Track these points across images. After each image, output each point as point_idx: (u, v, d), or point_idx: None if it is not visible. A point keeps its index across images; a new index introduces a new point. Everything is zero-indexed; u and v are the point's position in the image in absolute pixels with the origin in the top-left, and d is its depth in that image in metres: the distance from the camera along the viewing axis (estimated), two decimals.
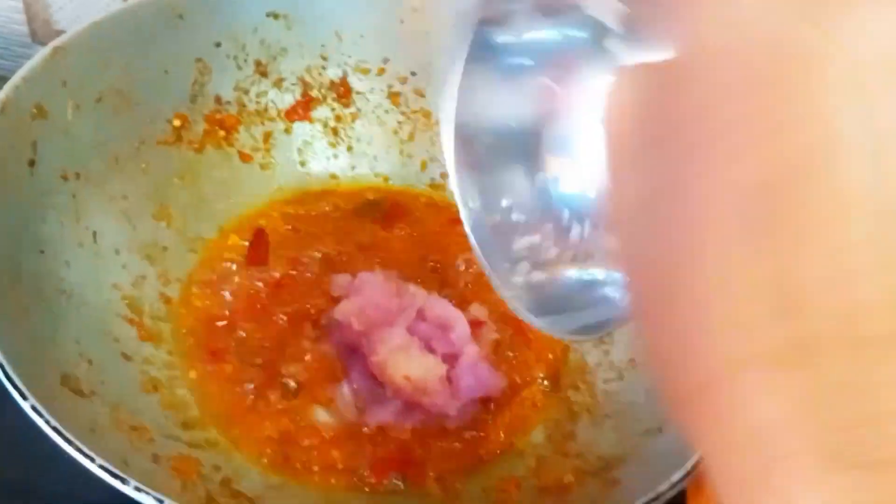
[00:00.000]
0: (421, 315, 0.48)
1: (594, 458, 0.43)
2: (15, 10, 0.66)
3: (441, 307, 0.48)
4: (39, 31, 0.68)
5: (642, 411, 0.44)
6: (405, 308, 0.48)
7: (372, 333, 0.46)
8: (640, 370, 0.46)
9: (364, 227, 0.53)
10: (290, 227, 0.52)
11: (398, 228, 0.54)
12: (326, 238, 0.53)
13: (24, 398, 0.32)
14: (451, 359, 0.46)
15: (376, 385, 0.46)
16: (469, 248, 0.30)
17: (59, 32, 0.67)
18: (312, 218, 0.53)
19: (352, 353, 0.47)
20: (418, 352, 0.46)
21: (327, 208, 0.54)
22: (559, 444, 0.45)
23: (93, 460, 0.31)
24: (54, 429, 0.31)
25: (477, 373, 0.47)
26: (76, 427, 0.34)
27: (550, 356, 0.49)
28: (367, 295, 0.48)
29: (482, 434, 0.46)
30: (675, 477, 0.36)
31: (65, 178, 0.44)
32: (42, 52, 0.43)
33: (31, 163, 0.42)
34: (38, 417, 0.32)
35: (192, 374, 0.45)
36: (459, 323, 0.47)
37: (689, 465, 0.36)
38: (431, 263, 0.52)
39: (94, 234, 0.45)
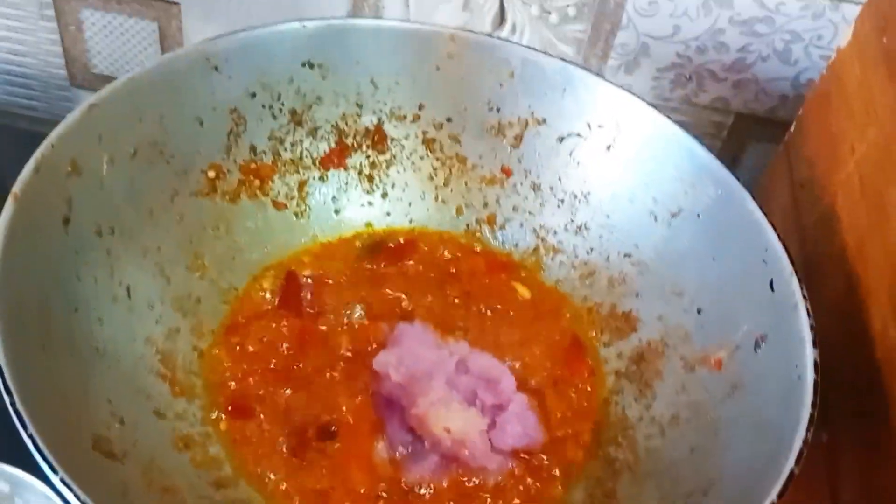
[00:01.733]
0: (462, 367, 0.47)
1: None
2: (54, 53, 0.67)
3: (485, 360, 0.47)
4: (78, 74, 0.69)
5: (686, 471, 0.43)
6: (445, 360, 0.47)
7: (412, 385, 0.45)
8: (683, 427, 0.45)
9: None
10: (321, 273, 0.52)
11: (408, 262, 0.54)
12: (361, 285, 0.52)
13: (55, 472, 0.31)
14: (495, 410, 0.46)
15: (415, 439, 0.45)
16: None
17: (98, 76, 0.68)
18: (345, 265, 0.53)
19: (390, 406, 0.46)
20: (458, 405, 0.45)
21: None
22: (600, 502, 0.44)
23: None
24: (83, 503, 0.31)
25: (525, 421, 0.46)
26: (107, 493, 0.34)
27: (586, 404, 0.47)
28: (406, 346, 0.47)
29: (521, 490, 0.45)
30: None
31: (99, 233, 0.44)
32: (77, 110, 0.44)
33: (66, 220, 0.42)
34: (68, 491, 0.31)
35: (224, 429, 0.44)
36: (506, 376, 0.46)
37: None
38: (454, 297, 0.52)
39: (128, 288, 0.45)
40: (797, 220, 0.53)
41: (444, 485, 0.44)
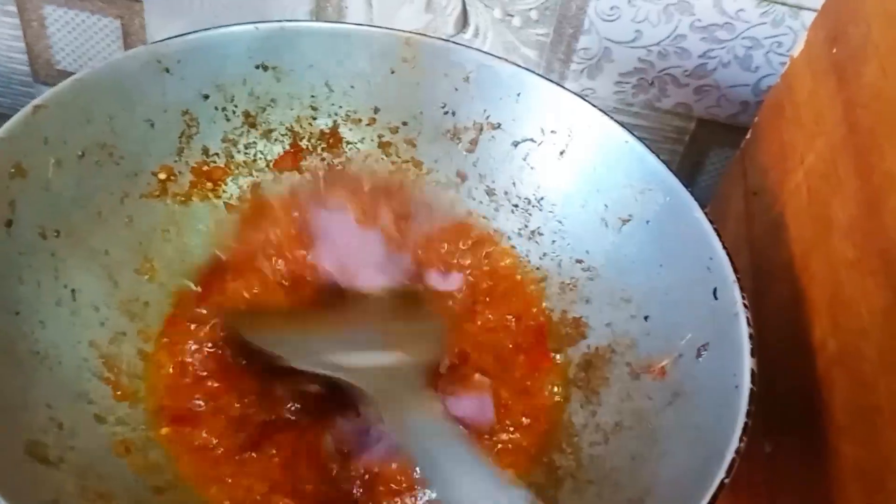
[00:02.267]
0: None
1: None
2: (17, 49, 0.67)
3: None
4: (41, 70, 0.69)
5: (626, 479, 0.43)
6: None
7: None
8: (626, 435, 0.45)
9: None
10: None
11: None
12: None
13: None
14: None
15: (362, 429, 0.45)
16: None
17: (62, 73, 0.68)
18: None
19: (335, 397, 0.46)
20: None
21: None
22: None
23: None
24: None
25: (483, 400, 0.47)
26: (36, 500, 0.34)
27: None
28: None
29: None
30: None
31: (43, 236, 0.44)
32: (22, 111, 0.43)
33: (9, 223, 0.42)
34: None
35: (165, 433, 0.44)
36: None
37: None
38: None
39: (73, 291, 0.45)
40: (749, 229, 0.53)
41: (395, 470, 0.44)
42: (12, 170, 0.43)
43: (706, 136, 0.66)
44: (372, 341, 0.48)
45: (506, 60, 0.53)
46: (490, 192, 0.55)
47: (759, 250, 0.51)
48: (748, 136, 0.57)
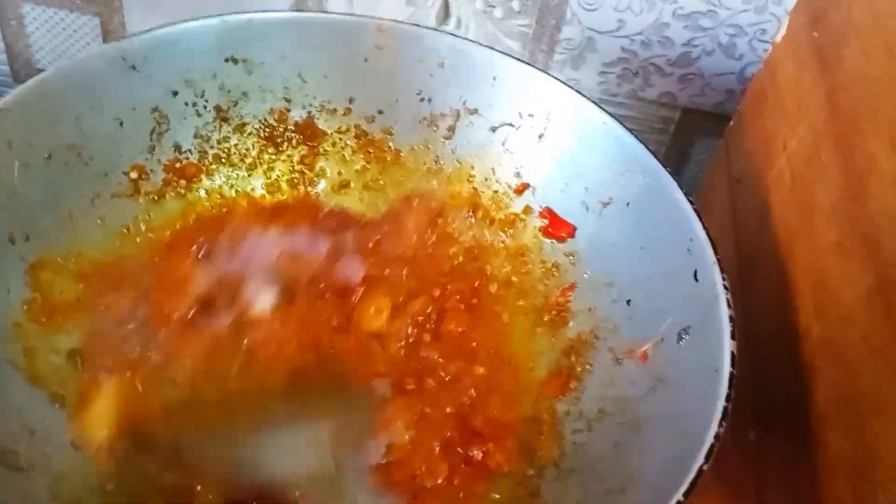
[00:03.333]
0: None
1: None
2: None
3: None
4: (21, 71, 0.68)
5: (609, 467, 0.42)
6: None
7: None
8: (609, 422, 0.44)
9: None
10: None
11: None
12: None
13: None
14: None
15: None
16: None
17: (41, 71, 0.67)
18: None
19: None
20: None
21: None
22: (524, 501, 0.43)
23: None
24: None
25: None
26: None
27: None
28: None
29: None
30: None
31: (12, 241, 0.44)
32: None
33: None
34: None
35: None
36: None
37: None
38: None
39: (44, 295, 0.44)
40: (734, 216, 0.52)
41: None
42: None
43: (692, 126, 0.65)
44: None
45: (480, 44, 0.52)
46: (469, 179, 0.54)
47: (745, 238, 0.50)
48: (731, 123, 0.56)
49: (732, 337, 0.39)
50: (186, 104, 0.51)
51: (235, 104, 0.52)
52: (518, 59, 0.51)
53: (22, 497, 0.37)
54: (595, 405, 0.45)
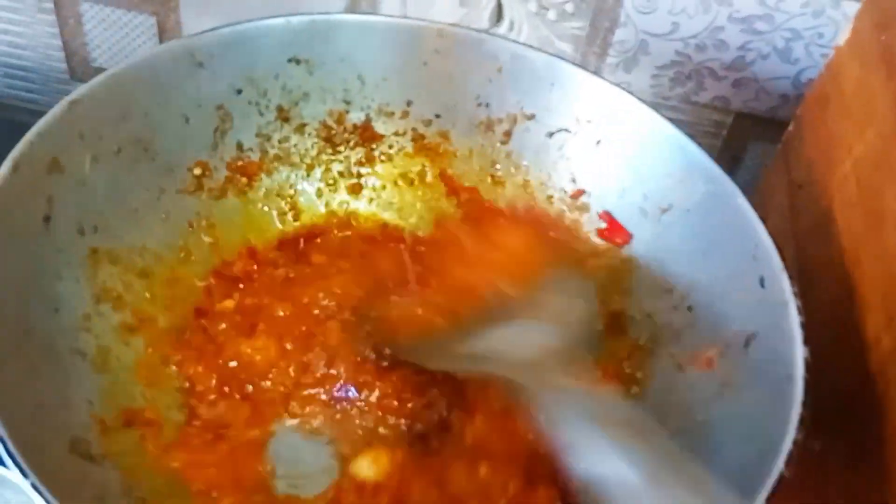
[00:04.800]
0: None
1: None
2: (54, 47, 0.67)
3: None
4: (78, 68, 0.68)
5: None
6: None
7: None
8: (673, 430, 0.44)
9: None
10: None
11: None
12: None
13: (25, 476, 0.31)
14: None
15: None
16: None
17: (98, 70, 0.67)
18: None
19: None
20: None
21: None
22: None
23: None
24: None
25: None
26: (82, 498, 0.33)
27: None
28: None
29: None
30: None
31: (81, 232, 0.44)
32: (58, 106, 0.43)
33: (47, 218, 0.42)
34: (39, 496, 0.31)
35: None
36: None
37: None
38: None
39: (111, 288, 0.45)
40: (794, 223, 0.52)
41: None
42: (50, 166, 0.42)
43: (744, 131, 0.65)
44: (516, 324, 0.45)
45: (539, 50, 0.52)
46: (525, 185, 0.54)
47: (806, 245, 0.50)
48: (790, 128, 0.56)
49: (805, 343, 0.39)
50: (249, 103, 0.51)
51: (296, 104, 0.53)
52: (577, 66, 0.52)
53: (96, 488, 0.37)
54: (657, 413, 0.45)
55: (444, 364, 0.44)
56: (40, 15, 0.65)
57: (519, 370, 0.42)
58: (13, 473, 0.35)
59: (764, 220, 0.44)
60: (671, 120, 0.49)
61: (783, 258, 0.43)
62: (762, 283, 0.43)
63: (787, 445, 0.36)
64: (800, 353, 0.39)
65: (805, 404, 0.37)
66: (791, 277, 0.42)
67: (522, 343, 0.43)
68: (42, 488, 0.31)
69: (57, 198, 0.42)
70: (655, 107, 0.50)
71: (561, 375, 0.41)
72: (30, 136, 0.41)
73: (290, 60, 0.51)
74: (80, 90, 0.44)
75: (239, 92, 0.51)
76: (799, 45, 0.59)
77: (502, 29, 0.61)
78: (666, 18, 0.59)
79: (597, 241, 0.52)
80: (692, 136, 0.48)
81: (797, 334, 0.40)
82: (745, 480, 0.36)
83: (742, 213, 0.45)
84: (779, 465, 0.35)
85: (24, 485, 0.31)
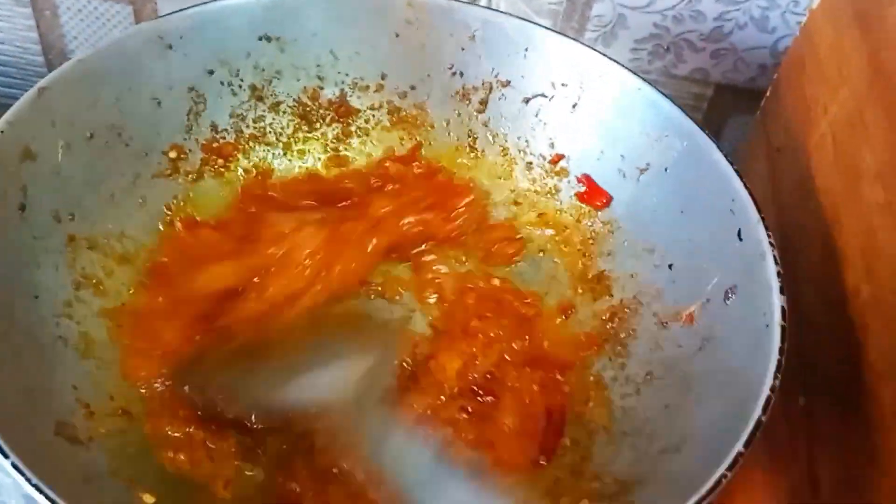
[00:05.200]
0: None
1: (611, 481, 0.41)
2: (31, 40, 0.67)
3: None
4: (55, 61, 0.68)
5: (660, 428, 0.42)
6: None
7: None
8: (657, 384, 0.44)
9: None
10: None
11: None
12: None
13: (6, 456, 0.31)
14: None
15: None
16: None
17: None
18: None
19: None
20: None
21: None
22: (576, 464, 0.43)
23: None
24: (35, 486, 0.31)
25: None
26: (67, 479, 0.33)
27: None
28: None
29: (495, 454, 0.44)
30: (691, 502, 0.34)
31: (58, 219, 0.44)
32: (27, 95, 0.43)
33: (22, 207, 0.42)
34: (19, 475, 0.31)
35: None
36: None
37: (704, 490, 0.34)
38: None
39: (90, 273, 0.45)
40: (774, 187, 0.52)
41: None
42: (22, 154, 0.42)
43: (725, 103, 0.64)
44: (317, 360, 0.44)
45: (511, 15, 0.52)
46: (504, 152, 0.54)
47: (787, 207, 0.50)
48: (768, 94, 0.56)
49: (782, 292, 0.40)
50: (222, 83, 0.51)
51: (270, 83, 0.52)
52: (550, 29, 0.51)
53: (83, 470, 0.37)
54: (642, 369, 0.45)
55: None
56: (17, 8, 0.65)
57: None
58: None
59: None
60: (635, 75, 0.49)
61: (760, 211, 0.43)
62: (739, 235, 0.43)
63: (765, 391, 0.36)
64: (777, 301, 0.39)
65: (782, 351, 0.37)
66: (771, 236, 0.42)
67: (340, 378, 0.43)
68: (24, 468, 0.31)
69: (31, 186, 0.42)
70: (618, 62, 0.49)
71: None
72: (0, 124, 0.41)
73: (260, 38, 0.51)
74: (49, 77, 0.44)
75: (211, 73, 0.51)
76: (775, 14, 0.59)
77: (481, 3, 0.61)
78: None
79: (578, 204, 0.52)
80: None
81: (774, 284, 0.40)
82: (725, 430, 0.36)
83: (718, 167, 0.45)
84: (757, 411, 0.35)
85: (9, 469, 0.31)
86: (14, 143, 0.42)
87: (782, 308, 0.39)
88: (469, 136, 0.55)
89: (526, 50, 0.52)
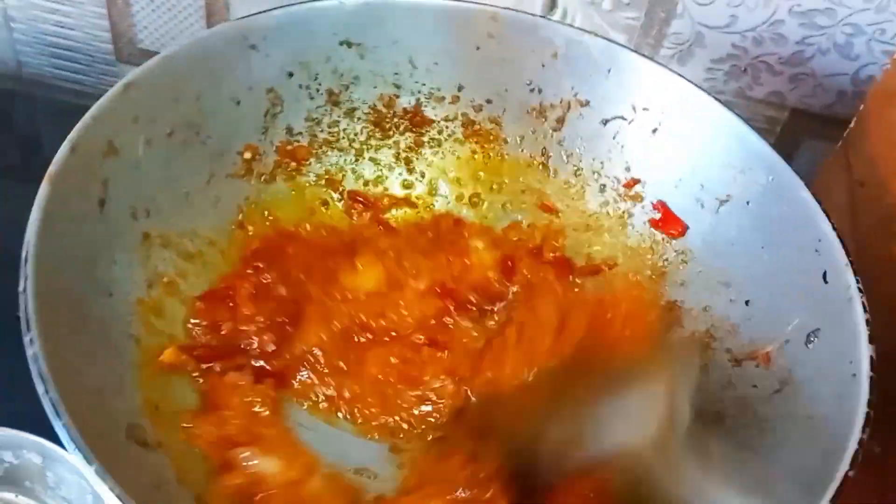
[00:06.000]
0: None
1: None
2: (101, 28, 0.67)
3: None
4: (124, 49, 0.68)
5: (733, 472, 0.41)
6: None
7: None
8: (730, 424, 0.43)
9: None
10: None
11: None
12: None
13: (90, 463, 0.31)
14: None
15: None
16: None
17: (144, 52, 0.67)
18: None
19: None
20: None
21: None
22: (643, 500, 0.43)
23: None
24: (118, 496, 0.30)
25: None
26: (140, 485, 0.33)
27: None
28: None
29: None
30: None
31: (134, 216, 0.44)
32: (113, 89, 0.43)
33: (102, 202, 0.42)
34: (101, 483, 0.31)
35: None
36: None
37: None
38: None
39: (164, 272, 0.44)
40: (854, 221, 0.51)
41: None
42: (105, 148, 0.42)
43: (799, 127, 0.63)
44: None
45: (597, 35, 0.51)
46: (577, 173, 0.53)
47: (867, 243, 0.49)
48: (852, 125, 0.54)
49: (870, 341, 0.38)
50: (300, 86, 0.51)
51: (347, 88, 0.52)
52: (635, 52, 0.51)
53: (152, 476, 0.37)
54: (713, 407, 0.44)
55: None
56: None
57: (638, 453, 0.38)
58: (71, 455, 0.35)
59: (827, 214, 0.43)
60: (721, 104, 0.48)
61: (848, 254, 0.42)
62: (825, 277, 0.42)
63: (852, 446, 0.35)
64: (865, 350, 0.38)
65: (870, 404, 0.36)
66: (854, 270, 0.41)
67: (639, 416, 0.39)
68: (106, 475, 0.31)
69: (112, 181, 0.42)
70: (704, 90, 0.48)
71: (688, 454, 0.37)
72: (87, 118, 0.41)
73: (341, 43, 0.51)
74: (135, 73, 0.44)
75: (290, 75, 0.50)
76: (860, 41, 0.57)
77: (555, 18, 0.60)
78: (724, 10, 0.57)
79: (651, 231, 0.51)
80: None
81: (862, 330, 0.39)
82: (808, 481, 0.36)
83: (805, 205, 0.44)
84: (844, 466, 0.34)
85: (87, 470, 0.31)
86: (99, 137, 0.42)
87: (871, 358, 0.38)
88: (542, 154, 0.54)
89: (609, 71, 0.51)
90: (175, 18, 0.65)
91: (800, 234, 0.44)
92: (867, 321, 0.39)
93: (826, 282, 0.42)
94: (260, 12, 0.48)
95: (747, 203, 0.47)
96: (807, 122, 0.63)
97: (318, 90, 0.51)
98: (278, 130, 0.51)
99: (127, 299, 0.42)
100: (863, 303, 0.40)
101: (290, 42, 0.49)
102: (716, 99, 0.48)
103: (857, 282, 0.41)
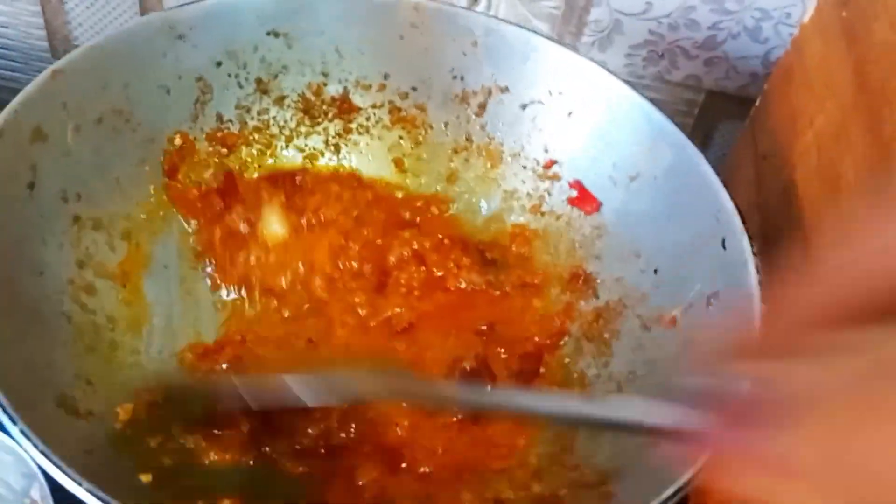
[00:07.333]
0: None
1: (591, 472, 0.43)
2: (35, 25, 0.67)
3: None
4: (59, 46, 0.69)
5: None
6: None
7: None
8: (640, 383, 0.46)
9: None
10: None
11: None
12: None
13: (14, 423, 0.32)
14: None
15: None
16: None
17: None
18: None
19: None
20: None
21: None
22: (557, 456, 0.45)
23: (80, 484, 0.32)
24: (42, 452, 0.32)
25: None
26: (70, 449, 0.35)
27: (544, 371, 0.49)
28: None
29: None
30: (667, 493, 0.36)
31: (65, 199, 0.45)
32: (41, 76, 0.44)
33: (31, 185, 0.43)
34: (27, 441, 0.32)
35: None
36: None
37: (681, 482, 0.36)
38: None
39: (95, 253, 0.46)
40: (759, 193, 0.54)
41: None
42: (33, 134, 0.43)
43: (716, 109, 0.66)
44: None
45: (513, 24, 0.53)
46: (499, 155, 0.56)
47: (770, 214, 0.52)
48: (757, 103, 0.58)
49: (762, 300, 0.41)
50: (229, 75, 0.52)
51: (275, 77, 0.54)
52: (550, 40, 0.53)
53: (84, 442, 0.38)
54: (625, 368, 0.47)
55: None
56: None
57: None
58: (4, 436, 0.37)
59: (733, 190, 0.46)
60: (631, 87, 0.50)
61: (744, 221, 0.44)
62: (724, 244, 0.45)
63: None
64: (758, 309, 0.41)
65: None
66: (754, 241, 0.43)
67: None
68: (31, 435, 0.32)
69: (41, 165, 0.44)
70: (630, 85, 0.51)
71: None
72: (14, 104, 0.42)
73: (269, 33, 0.53)
74: (63, 60, 0.45)
75: (219, 64, 0.52)
76: (768, 25, 0.60)
77: (479, 8, 0.62)
78: None
79: (568, 208, 0.54)
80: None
81: (755, 292, 0.42)
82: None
83: (705, 178, 0.47)
84: None
85: (18, 436, 0.32)
86: (26, 122, 0.43)
87: (763, 316, 0.40)
88: (466, 139, 0.56)
89: (526, 58, 0.53)
90: (109, 15, 0.66)
91: (701, 205, 0.47)
92: (760, 282, 0.42)
93: (724, 248, 0.45)
94: (187, 3, 0.50)
95: (655, 178, 0.50)
96: (723, 104, 0.66)
97: (246, 79, 0.53)
98: (208, 118, 0.52)
99: (58, 279, 0.43)
100: (756, 265, 0.43)
101: (218, 32, 0.51)
102: (625, 82, 0.51)
103: (752, 246, 0.43)
